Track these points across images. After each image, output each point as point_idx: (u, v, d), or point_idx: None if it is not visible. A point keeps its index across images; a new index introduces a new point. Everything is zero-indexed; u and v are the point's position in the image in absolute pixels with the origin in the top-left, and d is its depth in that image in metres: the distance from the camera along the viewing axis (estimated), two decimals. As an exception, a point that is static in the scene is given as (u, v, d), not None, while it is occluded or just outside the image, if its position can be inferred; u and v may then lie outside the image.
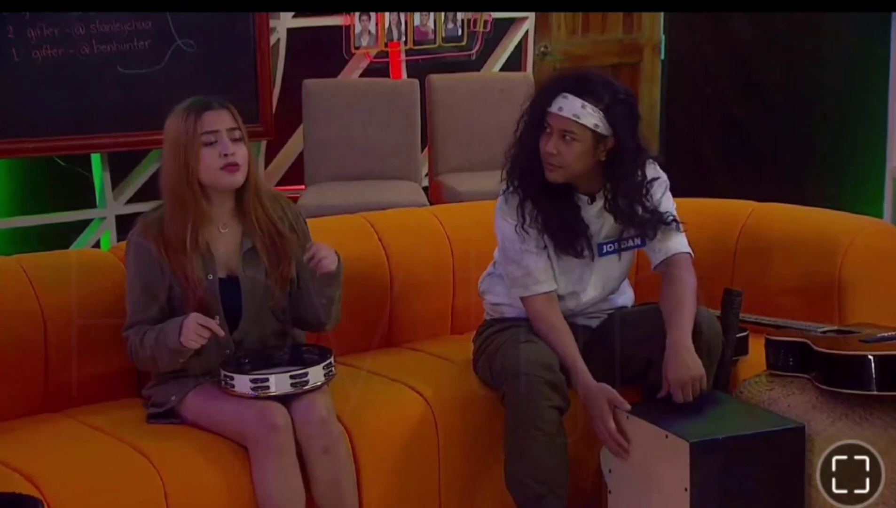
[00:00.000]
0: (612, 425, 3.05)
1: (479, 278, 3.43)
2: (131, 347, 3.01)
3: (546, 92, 3.15)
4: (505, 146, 3.24)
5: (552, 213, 3.15)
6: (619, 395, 3.07)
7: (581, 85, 3.10)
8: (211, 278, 3.02)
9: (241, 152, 3.01)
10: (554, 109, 3.09)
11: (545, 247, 3.19)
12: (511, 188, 3.21)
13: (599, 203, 3.21)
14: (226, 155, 2.98)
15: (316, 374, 2.96)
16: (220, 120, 3.01)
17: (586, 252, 3.19)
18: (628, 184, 3.16)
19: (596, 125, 3.08)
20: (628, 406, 3.05)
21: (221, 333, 2.94)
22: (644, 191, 3.19)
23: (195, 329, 2.87)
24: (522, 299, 3.23)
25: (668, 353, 3.08)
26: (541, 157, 3.12)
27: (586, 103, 3.07)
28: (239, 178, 3.02)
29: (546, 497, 3.07)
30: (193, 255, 2.99)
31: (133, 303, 3.03)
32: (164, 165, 3.04)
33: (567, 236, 3.17)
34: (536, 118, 3.14)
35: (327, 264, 3.01)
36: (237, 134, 3.02)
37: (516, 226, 3.17)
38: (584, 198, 3.20)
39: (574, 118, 3.07)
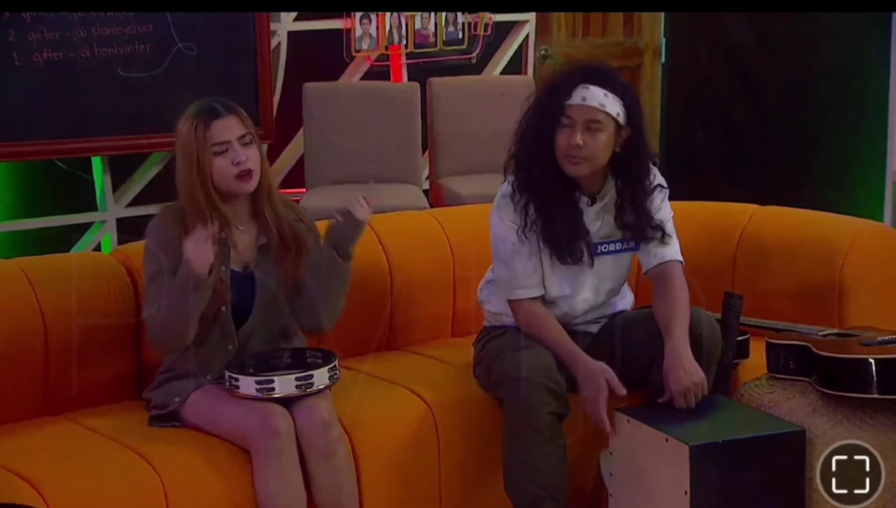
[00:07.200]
0: (604, 404, 3.04)
1: (479, 284, 3.43)
2: (152, 323, 2.97)
3: (562, 85, 3.11)
4: (506, 149, 3.22)
5: (555, 218, 3.14)
6: (618, 381, 3.06)
7: (599, 75, 3.11)
8: (224, 268, 3.02)
9: (252, 156, 3.02)
10: (576, 100, 3.07)
11: (539, 251, 3.18)
12: (513, 189, 3.18)
13: (599, 204, 3.21)
14: (238, 163, 2.99)
15: (321, 376, 2.97)
16: (229, 128, 3.00)
17: (585, 257, 3.19)
18: (639, 177, 3.17)
19: (618, 113, 3.08)
20: (623, 391, 3.05)
21: (214, 235, 2.91)
22: (650, 191, 3.20)
23: (193, 242, 2.87)
24: (509, 301, 3.23)
25: (668, 362, 3.07)
26: (557, 153, 3.10)
27: (608, 92, 3.07)
28: (252, 184, 3.03)
29: (545, 501, 3.06)
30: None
31: (153, 286, 2.98)
32: (179, 170, 3.03)
33: (568, 242, 3.15)
34: (553, 113, 3.10)
35: (361, 212, 3.06)
36: (248, 139, 3.03)
37: (515, 228, 3.16)
38: (586, 200, 3.20)
39: (600, 107, 3.06)
